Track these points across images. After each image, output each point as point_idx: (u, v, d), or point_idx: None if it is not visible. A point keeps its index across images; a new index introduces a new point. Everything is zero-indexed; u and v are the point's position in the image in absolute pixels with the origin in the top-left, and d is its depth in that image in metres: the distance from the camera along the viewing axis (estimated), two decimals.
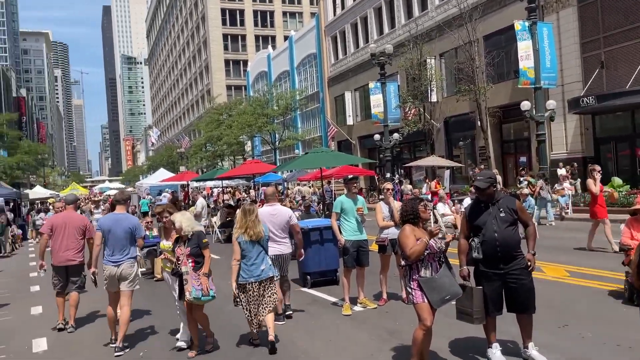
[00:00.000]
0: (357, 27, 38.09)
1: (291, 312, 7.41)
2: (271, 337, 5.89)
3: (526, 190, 14.95)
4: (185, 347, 6.24)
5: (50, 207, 23.60)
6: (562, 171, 19.14)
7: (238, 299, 6.09)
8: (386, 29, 34.63)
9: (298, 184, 31.88)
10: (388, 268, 7.85)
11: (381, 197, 8.36)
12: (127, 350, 6.33)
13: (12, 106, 74.64)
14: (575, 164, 19.99)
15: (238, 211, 6.54)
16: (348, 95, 38.51)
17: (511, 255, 4.89)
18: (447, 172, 22.80)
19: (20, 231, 21.89)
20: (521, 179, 17.02)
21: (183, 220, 5.99)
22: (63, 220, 7.57)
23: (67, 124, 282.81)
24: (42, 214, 21.33)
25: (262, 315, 6.01)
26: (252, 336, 6.25)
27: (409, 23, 31.00)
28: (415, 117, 27.36)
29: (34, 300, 9.77)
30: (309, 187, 31.51)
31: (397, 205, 7.76)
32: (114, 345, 6.30)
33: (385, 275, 7.86)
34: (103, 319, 8.08)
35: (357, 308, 7.49)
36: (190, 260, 5.89)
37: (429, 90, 26.61)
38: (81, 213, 13.14)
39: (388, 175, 24.95)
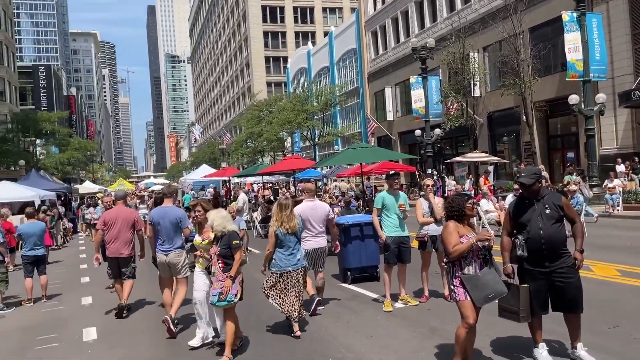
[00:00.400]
0: (398, 21, 37.68)
1: (322, 307, 7.44)
2: (297, 332, 6.37)
3: (574, 187, 14.47)
4: (199, 344, 6.10)
5: (99, 201, 24.47)
6: (620, 167, 18.40)
7: (268, 290, 6.48)
8: (428, 23, 34.13)
9: (342, 180, 31.90)
10: (429, 265, 7.77)
11: (422, 193, 8.27)
12: (179, 326, 6.97)
13: (62, 104, 77.59)
14: (637, 158, 19.19)
15: (274, 206, 6.78)
16: (388, 91, 38.19)
17: (557, 253, 4.75)
18: (490, 168, 22.31)
19: (71, 224, 22.80)
20: (572, 176, 16.50)
21: (216, 218, 5.72)
22: (114, 215, 8.01)
23: (114, 121, 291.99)
24: (91, 209, 22.09)
25: (300, 303, 6.42)
26: (290, 317, 6.43)
27: (451, 16, 30.46)
28: (457, 112, 26.89)
29: (84, 291, 10.17)
30: (347, 182, 31.46)
31: (437, 201, 7.67)
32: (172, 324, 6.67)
33: (426, 272, 7.77)
34: (150, 307, 8.34)
35: (399, 305, 7.44)
36: (220, 261, 5.66)
37: (472, 85, 26.08)
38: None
39: (429, 171, 24.62)
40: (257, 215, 18.31)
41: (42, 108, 62.42)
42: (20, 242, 10.34)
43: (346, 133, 43.27)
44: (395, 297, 7.54)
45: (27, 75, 68.43)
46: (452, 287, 4.75)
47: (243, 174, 28.22)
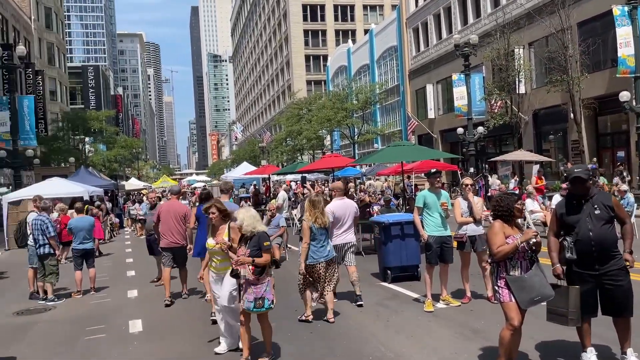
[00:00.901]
0: (440, 17, 37.12)
1: (362, 302, 7.62)
2: (331, 318, 6.85)
3: (625, 187, 13.90)
4: (224, 352, 5.92)
5: (144, 197, 25.16)
6: None
7: (303, 282, 6.94)
8: (471, 19, 33.47)
9: (378, 179, 31.68)
10: (468, 265, 7.63)
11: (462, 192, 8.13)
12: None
13: (110, 103, 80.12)
14: None
15: (306, 202, 7.22)
16: (430, 88, 37.69)
17: (608, 255, 4.58)
18: (536, 167, 21.69)
19: (117, 220, 23.55)
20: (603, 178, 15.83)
21: (246, 217, 5.40)
22: (167, 208, 8.77)
23: (158, 119, 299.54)
24: (136, 205, 22.78)
25: (327, 292, 6.91)
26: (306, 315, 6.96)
27: (495, 12, 29.76)
28: (501, 109, 26.26)
29: (130, 284, 10.48)
30: (382, 181, 31.21)
31: (477, 200, 7.51)
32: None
33: (466, 272, 7.64)
34: (194, 299, 8.51)
35: (440, 305, 7.34)
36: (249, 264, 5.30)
37: (517, 82, 25.40)
38: None
39: (472, 170, 24.15)
40: (296, 213, 18.41)
41: (90, 107, 64.63)
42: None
43: (386, 131, 42.96)
44: (436, 298, 7.44)
45: (77, 76, 70.99)
46: (497, 288, 4.64)
47: (283, 171, 28.41)
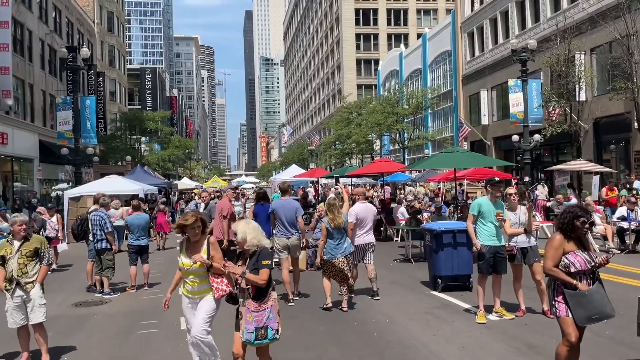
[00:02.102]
0: (497, 22, 36.22)
1: (378, 298, 8.48)
2: (345, 308, 7.73)
3: None
4: None
5: (195, 197, 25.79)
6: None
7: (323, 269, 7.88)
8: (529, 23, 32.48)
9: (410, 185, 31.21)
10: (521, 278, 7.35)
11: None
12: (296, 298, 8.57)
13: (165, 104, 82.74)
14: None
15: (323, 204, 8.38)
16: (484, 94, 36.81)
17: None
18: (595, 178, 20.75)
19: (170, 218, 24.22)
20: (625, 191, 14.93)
21: (248, 230, 4.58)
22: (220, 206, 9.89)
23: (211, 121, 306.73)
24: (191, 203, 23.30)
25: (345, 285, 7.81)
26: (325, 303, 7.82)
27: (555, 16, 28.74)
28: (559, 117, 25.30)
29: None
30: (422, 187, 30.71)
31: (524, 211, 7.23)
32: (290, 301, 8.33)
33: (519, 285, 7.37)
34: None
35: (492, 317, 7.12)
36: (249, 286, 4.51)
37: (577, 89, 24.41)
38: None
39: (527, 179, 23.37)
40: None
41: (147, 108, 66.99)
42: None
43: (437, 137, 42.27)
44: (488, 309, 7.22)
45: (135, 77, 73.76)
46: (554, 302, 4.45)
47: (331, 175, 28.44)
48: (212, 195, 19.67)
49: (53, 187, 33.96)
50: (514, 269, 7.36)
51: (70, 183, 25.75)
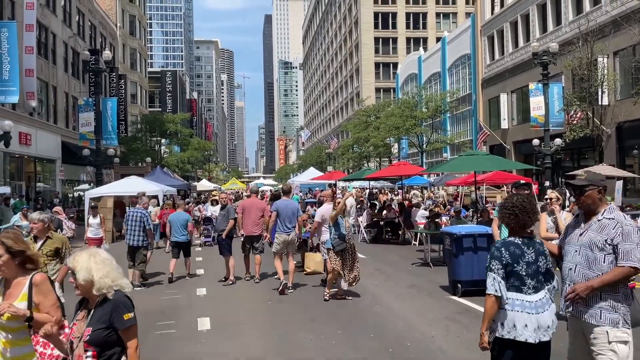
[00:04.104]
0: (517, 25, 35.81)
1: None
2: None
3: None
4: None
5: (212, 199, 25.73)
6: None
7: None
8: (550, 27, 32.04)
9: (413, 188, 30.90)
10: None
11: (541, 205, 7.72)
12: (292, 290, 9.34)
13: (185, 107, 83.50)
14: None
15: (339, 200, 8.97)
16: (504, 98, 36.40)
17: None
18: (619, 183, 20.31)
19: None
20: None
21: (95, 266, 2.91)
22: (250, 203, 10.52)
23: (230, 124, 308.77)
24: (200, 205, 22.71)
25: (355, 272, 8.58)
26: (338, 293, 8.68)
27: (578, 19, 28.32)
28: (581, 121, 24.88)
29: (200, 282, 10.74)
30: (443, 190, 30.44)
31: (565, 216, 7.08)
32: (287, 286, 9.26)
33: None
34: (261, 300, 8.60)
35: None
36: (90, 351, 2.85)
37: (600, 92, 23.98)
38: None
39: (547, 183, 23.01)
40: (362, 220, 18.29)
41: (167, 110, 67.64)
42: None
43: (456, 141, 41.92)
44: None
45: (156, 80, 74.61)
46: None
47: (350, 178, 28.36)
48: (231, 197, 19.68)
49: (75, 188, 34.47)
50: None
51: (92, 184, 26.06)
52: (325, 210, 9.26)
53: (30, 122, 27.42)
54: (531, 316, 3.48)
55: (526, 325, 3.45)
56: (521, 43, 35.25)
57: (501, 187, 25.11)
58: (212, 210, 17.92)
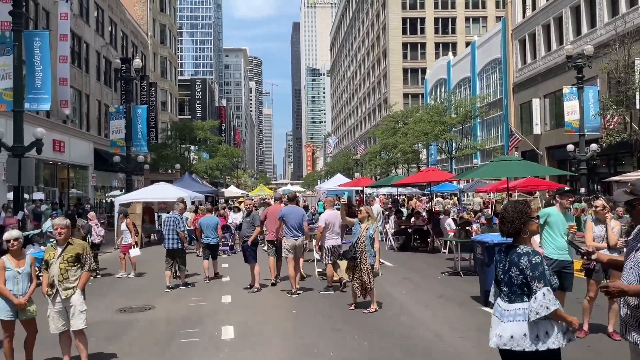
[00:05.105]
0: (550, 28, 34.98)
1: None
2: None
3: None
4: None
5: (238, 205, 25.77)
6: None
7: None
8: (585, 29, 31.17)
9: (474, 196, 30.34)
10: (596, 296, 6.81)
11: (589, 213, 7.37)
12: (300, 292, 9.66)
13: (214, 114, 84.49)
14: None
15: (365, 211, 8.69)
16: (536, 102, 35.54)
17: None
18: None
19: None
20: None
21: None
22: (274, 210, 10.79)
23: (258, 131, 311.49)
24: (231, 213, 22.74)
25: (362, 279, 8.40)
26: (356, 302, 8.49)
27: (614, 21, 27.45)
28: (618, 125, 24.02)
29: (225, 289, 10.64)
30: (450, 199, 29.86)
31: (614, 225, 6.69)
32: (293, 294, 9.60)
33: (591, 304, 6.83)
34: (285, 310, 8.42)
35: None
36: None
37: (638, 96, 23.12)
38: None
39: (582, 190, 22.25)
40: (389, 227, 17.98)
41: (196, 117, 68.51)
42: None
43: (486, 146, 41.13)
44: None
45: (186, 88, 75.70)
46: None
47: (377, 184, 28.05)
48: (257, 204, 19.56)
49: (107, 194, 35.10)
50: (589, 286, 6.83)
51: (123, 190, 26.46)
52: (329, 215, 9.87)
53: (64, 129, 28.03)
54: None
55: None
56: (554, 46, 34.43)
57: (534, 193, 24.44)
58: (233, 218, 17.56)
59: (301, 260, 10.38)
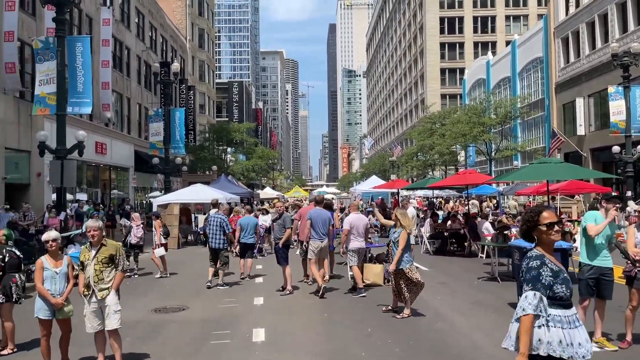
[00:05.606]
0: (594, 25, 33.78)
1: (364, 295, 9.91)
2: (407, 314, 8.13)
3: None
4: None
5: (267, 207, 25.82)
6: None
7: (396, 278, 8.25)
8: (631, 26, 29.96)
9: (515, 199, 29.57)
10: (638, 305, 6.49)
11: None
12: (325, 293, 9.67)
13: (251, 117, 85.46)
14: None
15: (398, 214, 8.50)
16: (580, 102, 34.38)
17: None
18: None
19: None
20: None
21: None
22: (306, 211, 11.04)
23: (294, 132, 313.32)
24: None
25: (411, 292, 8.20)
26: (392, 306, 8.46)
27: None
28: None
29: (258, 291, 10.66)
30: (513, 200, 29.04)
31: None
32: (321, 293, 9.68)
33: (634, 313, 6.51)
34: (317, 313, 8.36)
35: (593, 347, 6.31)
36: None
37: None
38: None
39: (629, 193, 21.36)
40: (425, 231, 17.69)
41: (233, 119, 69.39)
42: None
43: (527, 148, 40.06)
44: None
45: (223, 91, 76.85)
46: None
47: (413, 186, 27.68)
48: (288, 206, 19.51)
49: (147, 195, 35.94)
50: (631, 294, 6.53)
51: (162, 191, 27.01)
52: (353, 219, 10.14)
53: (106, 132, 28.84)
54: None
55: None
56: (599, 44, 33.25)
57: (575, 196, 23.62)
58: (263, 220, 16.64)
59: (326, 261, 10.69)
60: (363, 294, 9.68)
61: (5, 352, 6.60)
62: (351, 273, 10.28)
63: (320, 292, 9.67)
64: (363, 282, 10.35)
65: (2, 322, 6.68)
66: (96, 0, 27.94)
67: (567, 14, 37.40)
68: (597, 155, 32.71)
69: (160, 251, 12.78)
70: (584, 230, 6.55)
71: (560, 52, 38.17)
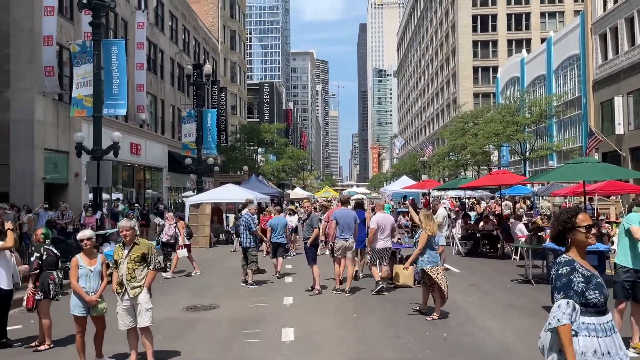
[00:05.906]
0: (634, 21, 32.69)
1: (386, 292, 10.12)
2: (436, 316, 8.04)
3: None
4: None
5: (293, 208, 25.86)
6: None
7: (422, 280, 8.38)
8: None
9: (548, 199, 28.86)
10: None
11: None
12: (348, 295, 9.85)
13: (281, 117, 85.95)
14: None
15: (422, 215, 8.65)
16: (618, 100, 33.31)
17: None
18: None
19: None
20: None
21: None
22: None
23: (324, 133, 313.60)
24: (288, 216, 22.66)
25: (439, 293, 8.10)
26: (420, 307, 8.41)
27: None
28: None
29: (287, 290, 10.70)
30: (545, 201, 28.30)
31: None
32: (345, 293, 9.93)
33: None
34: (348, 315, 8.34)
35: (630, 353, 6.11)
36: None
37: None
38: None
39: None
40: (457, 232, 17.44)
41: (264, 120, 69.93)
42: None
43: (563, 147, 39.05)
44: (625, 342, 6.21)
45: (254, 92, 77.53)
46: None
47: (444, 187, 27.32)
48: (316, 206, 19.48)
49: (180, 195, 36.55)
50: None
51: (195, 191, 27.46)
52: (380, 218, 10.18)
53: (140, 133, 29.46)
54: None
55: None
56: (638, 41, 32.18)
57: (611, 197, 22.87)
58: (289, 221, 16.95)
59: (349, 260, 10.75)
60: (380, 288, 9.88)
61: (42, 347, 6.81)
62: (381, 274, 10.21)
63: (341, 291, 10.01)
64: (391, 279, 10.77)
65: (39, 318, 6.89)
66: (131, 4, 28.58)
67: (604, 9, 36.32)
68: (637, 155, 31.66)
69: (183, 252, 13.00)
70: (627, 231, 6.33)
71: (597, 49, 37.08)
